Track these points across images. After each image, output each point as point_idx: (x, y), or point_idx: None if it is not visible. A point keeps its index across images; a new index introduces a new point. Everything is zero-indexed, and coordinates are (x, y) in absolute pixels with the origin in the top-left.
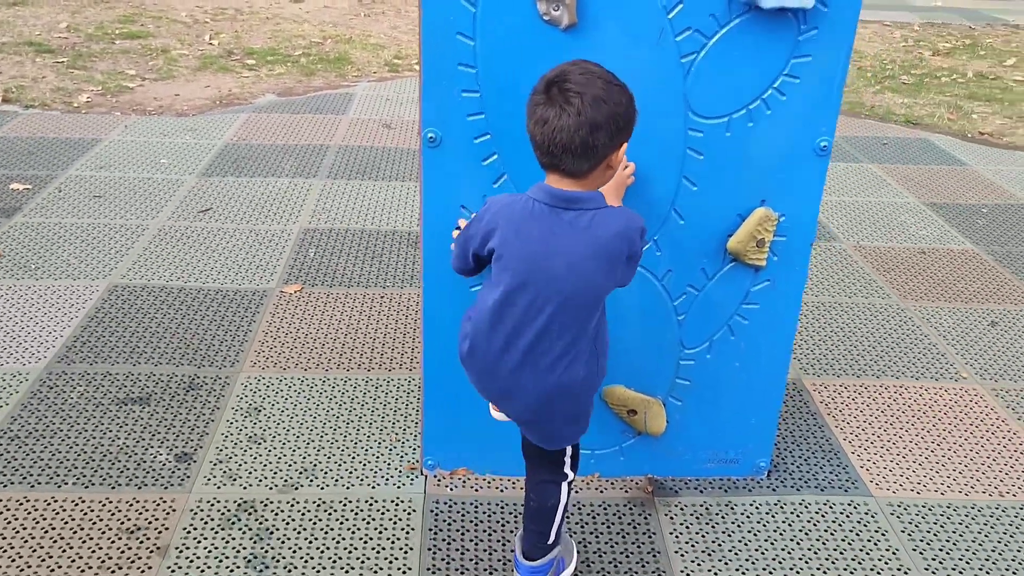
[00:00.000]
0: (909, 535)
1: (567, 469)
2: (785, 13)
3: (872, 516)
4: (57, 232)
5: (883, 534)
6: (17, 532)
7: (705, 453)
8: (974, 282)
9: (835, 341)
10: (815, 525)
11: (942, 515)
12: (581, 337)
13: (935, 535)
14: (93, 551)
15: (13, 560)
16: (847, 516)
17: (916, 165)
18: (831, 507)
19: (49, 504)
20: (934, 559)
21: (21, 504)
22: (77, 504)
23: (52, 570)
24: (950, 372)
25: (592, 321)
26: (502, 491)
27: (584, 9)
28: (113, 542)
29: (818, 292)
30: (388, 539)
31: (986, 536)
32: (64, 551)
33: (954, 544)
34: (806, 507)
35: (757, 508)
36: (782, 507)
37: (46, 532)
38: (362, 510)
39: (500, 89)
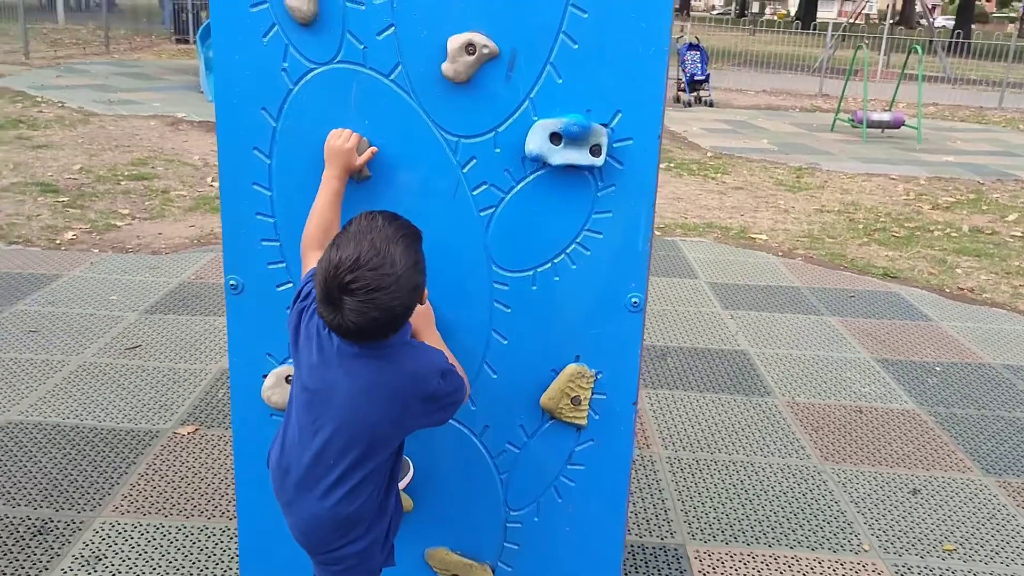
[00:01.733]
0: None
1: None
2: (580, 170)
3: None
4: None
5: None
6: None
7: None
8: (907, 444)
9: (735, 504)
10: None
11: None
12: (357, 471)
13: None
14: None
15: None
16: None
17: (879, 319)
18: None
19: None
20: None
21: None
22: None
23: None
24: (852, 544)
25: (374, 460)
26: None
27: (374, 164)
28: None
29: (731, 450)
30: None
31: None
32: None
33: None
34: None
35: None
36: None
37: None
38: None
39: (299, 235)
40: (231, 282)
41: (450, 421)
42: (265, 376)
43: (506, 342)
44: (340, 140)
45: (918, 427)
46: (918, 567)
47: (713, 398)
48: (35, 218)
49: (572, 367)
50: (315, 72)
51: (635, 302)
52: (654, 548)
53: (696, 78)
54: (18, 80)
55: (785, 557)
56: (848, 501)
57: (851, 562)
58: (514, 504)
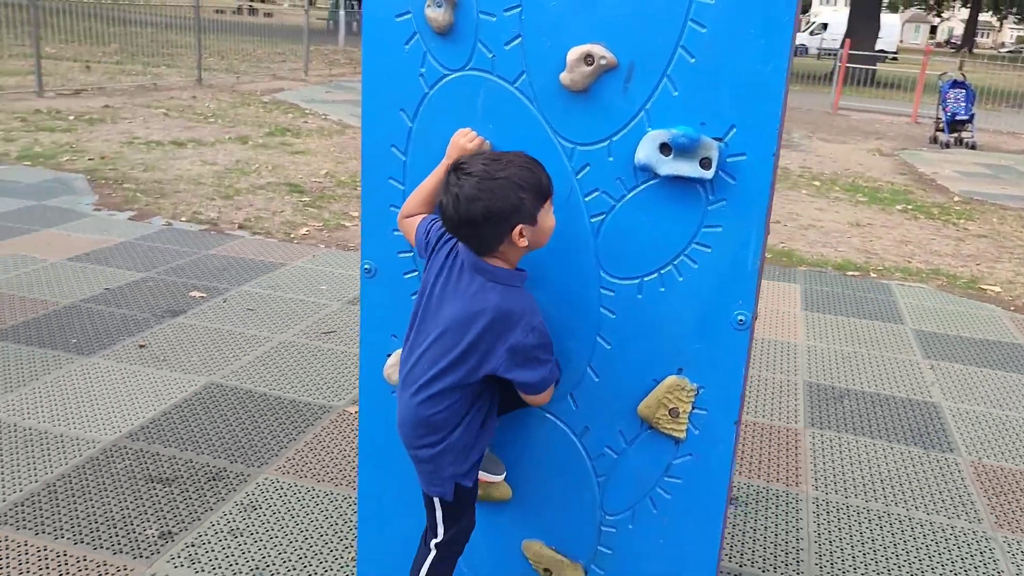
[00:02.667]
0: None
1: (438, 528)
2: (691, 183)
3: None
4: (200, 333)
5: None
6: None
7: None
8: None
9: (877, 556)
10: None
11: None
12: (442, 379)
13: None
14: None
15: None
16: None
17: None
18: None
19: (34, 549)
20: None
21: (24, 545)
22: (60, 555)
23: None
24: None
25: (457, 375)
26: None
27: None
28: None
29: (890, 501)
30: None
31: None
32: None
33: None
34: None
35: None
36: None
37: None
38: None
39: None
40: (365, 266)
41: (552, 419)
42: (389, 355)
43: (610, 347)
44: (465, 139)
45: None
46: None
47: (885, 446)
48: (279, 214)
49: (672, 379)
50: (448, 77)
51: (741, 320)
52: None
53: (958, 118)
54: (294, 94)
55: None
56: (1012, 568)
57: None
58: (610, 508)
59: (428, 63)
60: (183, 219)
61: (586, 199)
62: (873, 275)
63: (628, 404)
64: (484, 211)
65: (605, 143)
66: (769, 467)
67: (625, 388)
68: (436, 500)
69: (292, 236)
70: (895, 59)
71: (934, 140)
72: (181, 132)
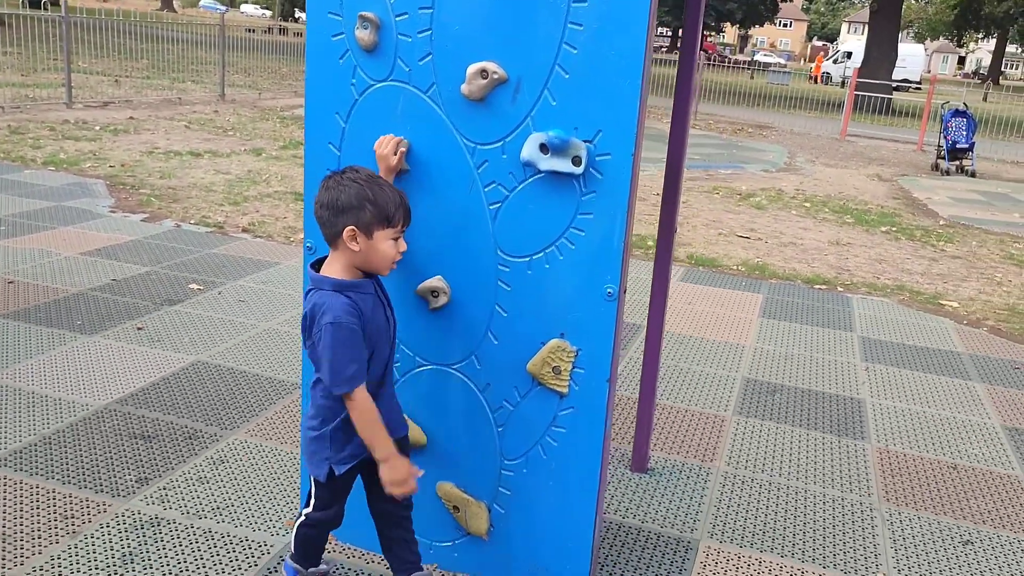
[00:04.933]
0: None
1: (311, 501)
2: (568, 177)
3: None
4: (193, 319)
5: None
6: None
7: (527, 565)
8: (989, 503)
9: (767, 520)
10: None
11: None
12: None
13: None
14: (34, 520)
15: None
16: None
17: None
18: None
19: (29, 487)
20: None
21: (20, 484)
22: (50, 492)
23: None
24: (868, 569)
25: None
26: (348, 558)
27: (412, 160)
28: (51, 520)
29: (792, 477)
30: (233, 563)
31: None
32: (15, 519)
33: None
34: None
35: None
36: None
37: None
38: (233, 544)
39: None
40: (308, 244)
41: (460, 377)
42: None
43: (506, 315)
44: (381, 147)
45: (1013, 491)
46: None
47: (803, 434)
48: (281, 219)
49: (555, 341)
50: (374, 87)
51: (610, 292)
52: (668, 538)
53: (959, 146)
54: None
55: (790, 567)
56: (888, 537)
57: None
58: (508, 454)
59: (358, 75)
60: (192, 221)
61: (485, 189)
62: (840, 289)
63: (521, 363)
64: (331, 199)
65: (499, 143)
66: (689, 446)
67: (518, 350)
68: (312, 478)
69: (291, 240)
70: (919, 88)
71: (935, 167)
72: (199, 143)
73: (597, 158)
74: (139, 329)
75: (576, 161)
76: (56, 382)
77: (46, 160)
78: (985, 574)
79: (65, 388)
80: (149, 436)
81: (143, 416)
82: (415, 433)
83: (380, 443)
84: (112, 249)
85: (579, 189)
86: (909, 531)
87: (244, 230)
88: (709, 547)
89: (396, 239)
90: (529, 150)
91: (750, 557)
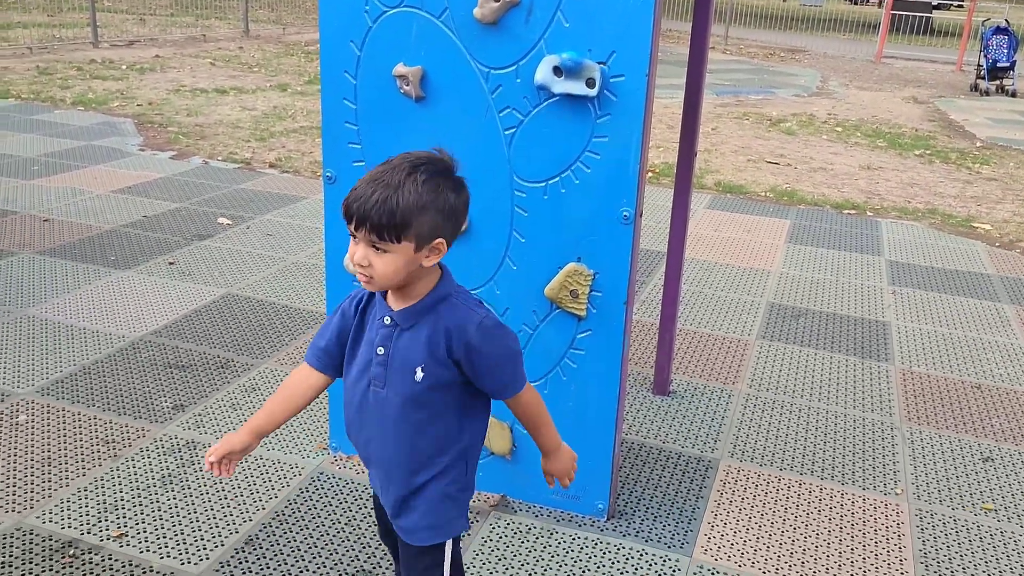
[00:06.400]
0: None
1: None
2: (583, 100)
3: (672, 572)
4: (222, 254)
5: None
6: (40, 427)
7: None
8: (1012, 423)
9: (788, 439)
10: (611, 566)
11: None
12: None
13: None
14: (77, 445)
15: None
16: (648, 566)
17: None
18: (641, 555)
19: (71, 414)
20: None
21: (62, 411)
22: (92, 418)
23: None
24: (887, 486)
25: None
26: None
27: (427, 87)
28: (93, 445)
29: (814, 398)
30: (266, 484)
31: None
32: (59, 443)
33: None
34: (618, 550)
35: (572, 540)
36: (596, 544)
37: (62, 432)
38: (266, 466)
39: (373, 142)
40: (327, 174)
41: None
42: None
43: (524, 241)
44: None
45: None
46: (942, 516)
47: (826, 356)
48: (308, 154)
49: (572, 265)
50: (387, 13)
51: (626, 215)
52: (688, 457)
53: (1000, 65)
54: None
55: (810, 484)
56: (907, 455)
57: (874, 499)
58: (528, 376)
59: (371, 1)
60: (219, 158)
61: (500, 115)
62: (869, 214)
63: (539, 288)
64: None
65: (513, 67)
66: (711, 370)
67: (536, 275)
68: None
69: (317, 174)
70: (960, 6)
71: (974, 88)
72: (225, 81)
73: (611, 80)
74: (171, 264)
75: (590, 83)
76: (93, 315)
77: (75, 100)
78: (1004, 489)
79: (102, 321)
80: (183, 366)
81: (177, 347)
82: None
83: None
84: (142, 186)
85: (593, 112)
86: (929, 449)
87: (271, 165)
88: (729, 466)
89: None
90: (543, 73)
91: (769, 475)
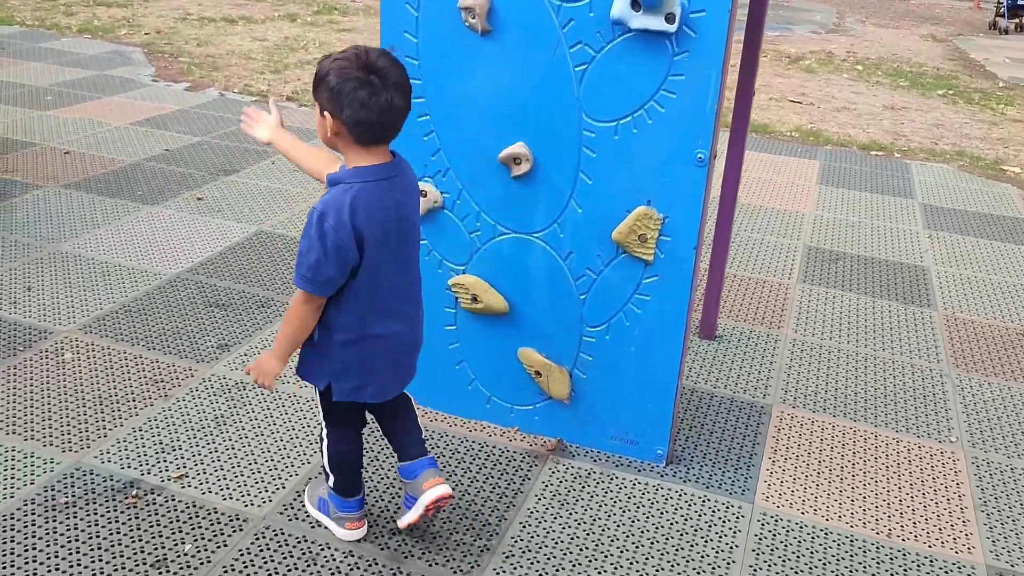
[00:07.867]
0: (757, 543)
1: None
2: (660, 36)
3: (735, 519)
4: (250, 189)
5: (734, 535)
6: (94, 360)
7: (609, 429)
8: None
9: (839, 385)
10: (674, 512)
11: (806, 536)
12: None
13: (783, 550)
14: (127, 384)
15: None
16: (712, 512)
17: None
18: (704, 502)
19: (117, 352)
20: (760, 570)
21: (107, 349)
22: (137, 357)
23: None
24: (941, 433)
25: None
26: (432, 421)
27: (494, 20)
28: (142, 384)
29: (860, 343)
30: (316, 427)
31: (834, 564)
32: (108, 382)
33: (795, 563)
34: (680, 496)
35: (633, 485)
36: (657, 490)
37: (113, 365)
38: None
39: (435, 78)
40: None
41: (543, 246)
42: None
43: (591, 182)
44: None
45: None
46: (998, 463)
47: (868, 301)
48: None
49: (641, 208)
50: None
51: (700, 157)
52: (741, 403)
53: (1020, 2)
54: None
55: (864, 431)
56: (959, 402)
57: (930, 447)
58: (590, 321)
59: None
60: (235, 91)
61: (571, 50)
62: (897, 155)
63: (606, 231)
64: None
65: (587, 0)
66: (755, 314)
67: (603, 218)
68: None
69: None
70: None
71: (993, 26)
72: (232, 9)
73: (691, 15)
74: (199, 199)
75: (670, 18)
76: (127, 251)
77: (80, 27)
78: None
79: (136, 257)
80: (224, 304)
81: (215, 285)
82: (497, 301)
83: None
84: (160, 119)
85: (671, 49)
86: (980, 396)
87: (288, 99)
88: (783, 412)
89: None
90: (620, 7)
91: (823, 421)
